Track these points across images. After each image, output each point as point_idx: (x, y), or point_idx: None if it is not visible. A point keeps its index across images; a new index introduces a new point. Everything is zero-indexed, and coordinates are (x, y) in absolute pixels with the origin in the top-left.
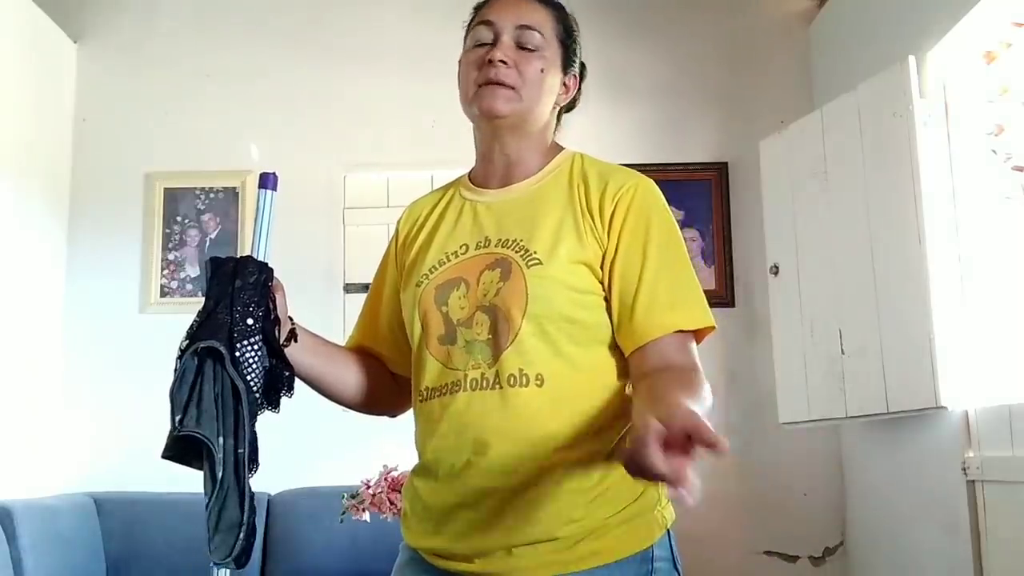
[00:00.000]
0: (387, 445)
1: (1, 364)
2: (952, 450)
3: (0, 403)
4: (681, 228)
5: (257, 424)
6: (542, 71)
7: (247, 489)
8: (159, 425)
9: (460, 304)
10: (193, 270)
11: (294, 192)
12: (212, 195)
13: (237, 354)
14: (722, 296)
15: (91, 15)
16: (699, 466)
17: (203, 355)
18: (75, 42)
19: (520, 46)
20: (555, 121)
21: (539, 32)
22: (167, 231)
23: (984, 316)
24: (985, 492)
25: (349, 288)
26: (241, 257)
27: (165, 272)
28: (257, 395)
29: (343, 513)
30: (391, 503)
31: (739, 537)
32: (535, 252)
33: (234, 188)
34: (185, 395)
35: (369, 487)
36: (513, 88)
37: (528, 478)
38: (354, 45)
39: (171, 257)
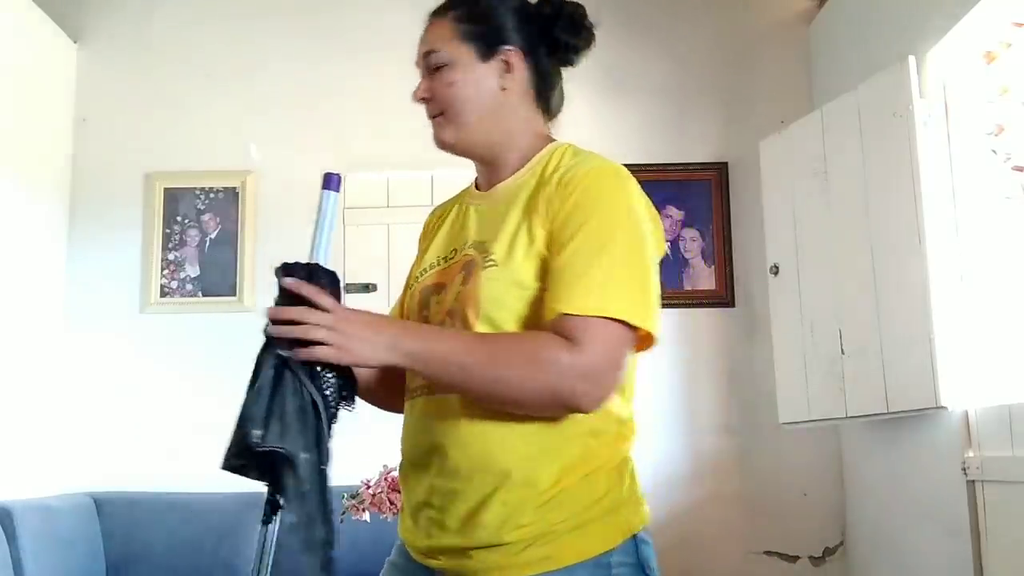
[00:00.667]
0: (387, 445)
1: (2, 364)
2: (952, 450)
3: (1, 403)
4: (681, 228)
5: None
6: (451, 84)
7: (330, 505)
8: (159, 425)
9: (436, 309)
10: (193, 270)
11: (294, 192)
12: (212, 195)
13: (318, 368)
14: (722, 296)
15: (91, 15)
16: (699, 466)
17: (280, 368)
18: (75, 42)
19: (432, 72)
20: (523, 104)
21: (439, 49)
22: (167, 231)
23: (984, 316)
24: (985, 492)
25: (349, 288)
26: (311, 264)
27: (165, 272)
28: (334, 409)
29: (343, 513)
30: (391, 503)
31: (739, 537)
32: (492, 254)
33: (234, 188)
34: (264, 408)
35: (369, 487)
36: (442, 114)
37: (479, 482)
38: (354, 45)
39: (171, 257)
